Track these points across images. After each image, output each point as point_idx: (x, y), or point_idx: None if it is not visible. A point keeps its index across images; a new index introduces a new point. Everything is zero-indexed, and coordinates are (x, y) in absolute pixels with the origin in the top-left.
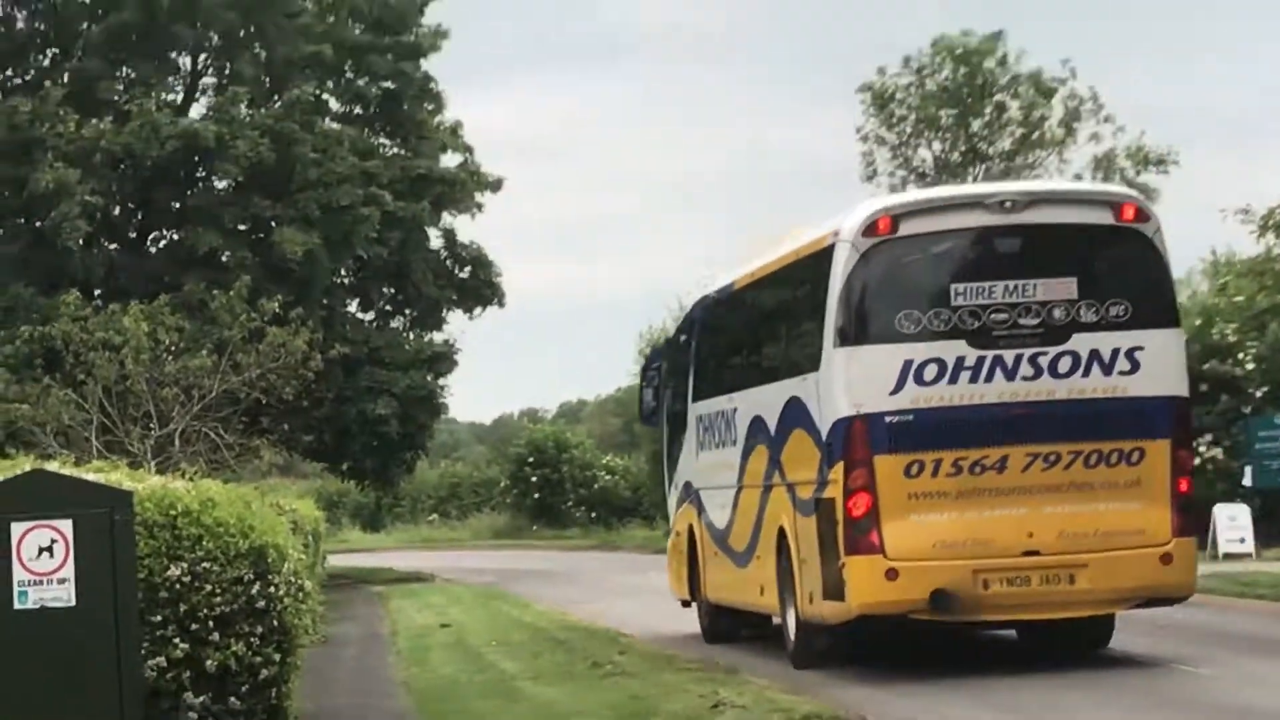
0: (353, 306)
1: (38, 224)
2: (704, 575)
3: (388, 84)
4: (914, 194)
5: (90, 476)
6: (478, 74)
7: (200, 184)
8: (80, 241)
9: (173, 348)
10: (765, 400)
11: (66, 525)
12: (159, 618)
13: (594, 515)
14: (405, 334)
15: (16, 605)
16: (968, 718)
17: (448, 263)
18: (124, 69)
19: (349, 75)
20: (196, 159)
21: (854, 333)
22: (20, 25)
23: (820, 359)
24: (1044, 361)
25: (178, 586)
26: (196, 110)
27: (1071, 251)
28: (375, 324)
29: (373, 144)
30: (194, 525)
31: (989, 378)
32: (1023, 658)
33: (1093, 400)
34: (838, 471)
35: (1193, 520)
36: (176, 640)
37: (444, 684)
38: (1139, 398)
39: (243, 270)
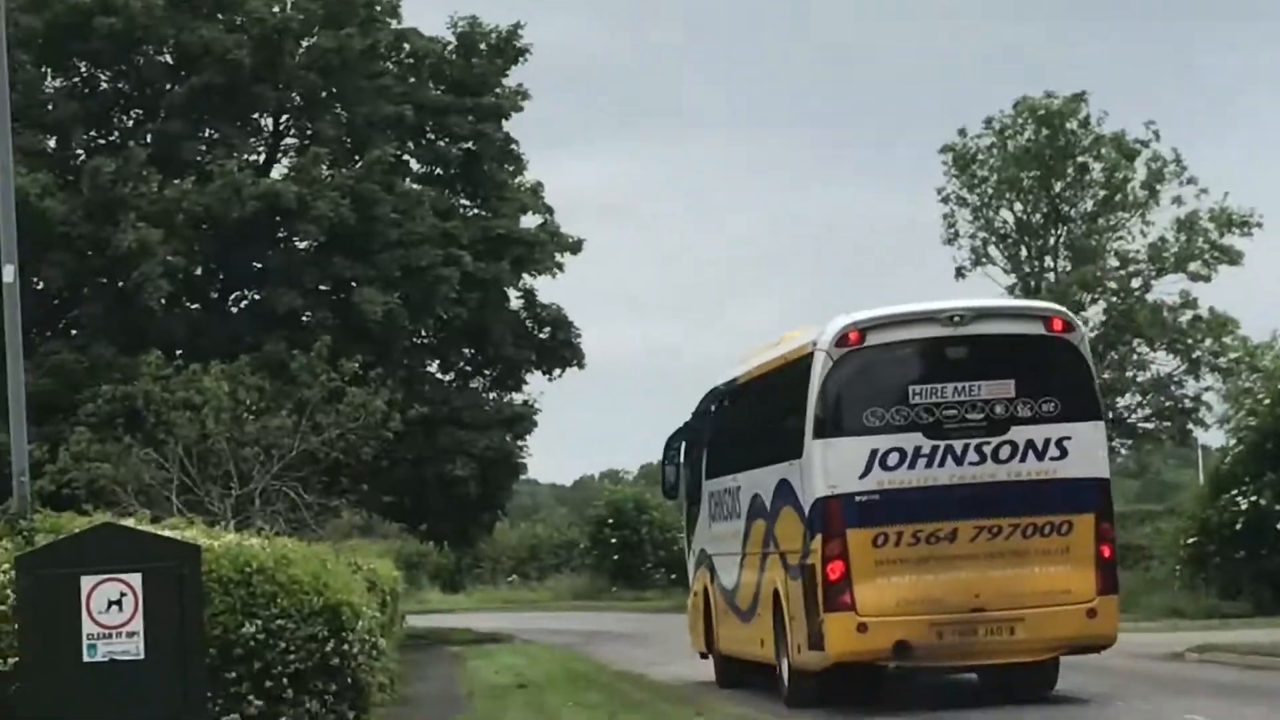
0: (432, 367)
1: (120, 284)
2: (716, 630)
3: (468, 145)
4: (878, 311)
5: (163, 532)
6: (559, 136)
7: (281, 244)
8: (162, 301)
9: (253, 407)
10: (761, 480)
11: (136, 579)
12: (233, 674)
13: (673, 577)
14: (485, 394)
15: (86, 658)
16: None
17: (527, 323)
18: (206, 129)
19: (430, 136)
20: (278, 219)
21: (829, 426)
22: (104, 86)
23: (802, 448)
24: (987, 449)
25: (252, 643)
26: (278, 171)
27: (1010, 358)
28: (455, 384)
29: (453, 204)
30: (269, 583)
31: (942, 463)
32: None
33: (1029, 481)
34: (817, 542)
35: (1113, 580)
36: (251, 697)
37: None
38: (1067, 479)
39: (323, 330)
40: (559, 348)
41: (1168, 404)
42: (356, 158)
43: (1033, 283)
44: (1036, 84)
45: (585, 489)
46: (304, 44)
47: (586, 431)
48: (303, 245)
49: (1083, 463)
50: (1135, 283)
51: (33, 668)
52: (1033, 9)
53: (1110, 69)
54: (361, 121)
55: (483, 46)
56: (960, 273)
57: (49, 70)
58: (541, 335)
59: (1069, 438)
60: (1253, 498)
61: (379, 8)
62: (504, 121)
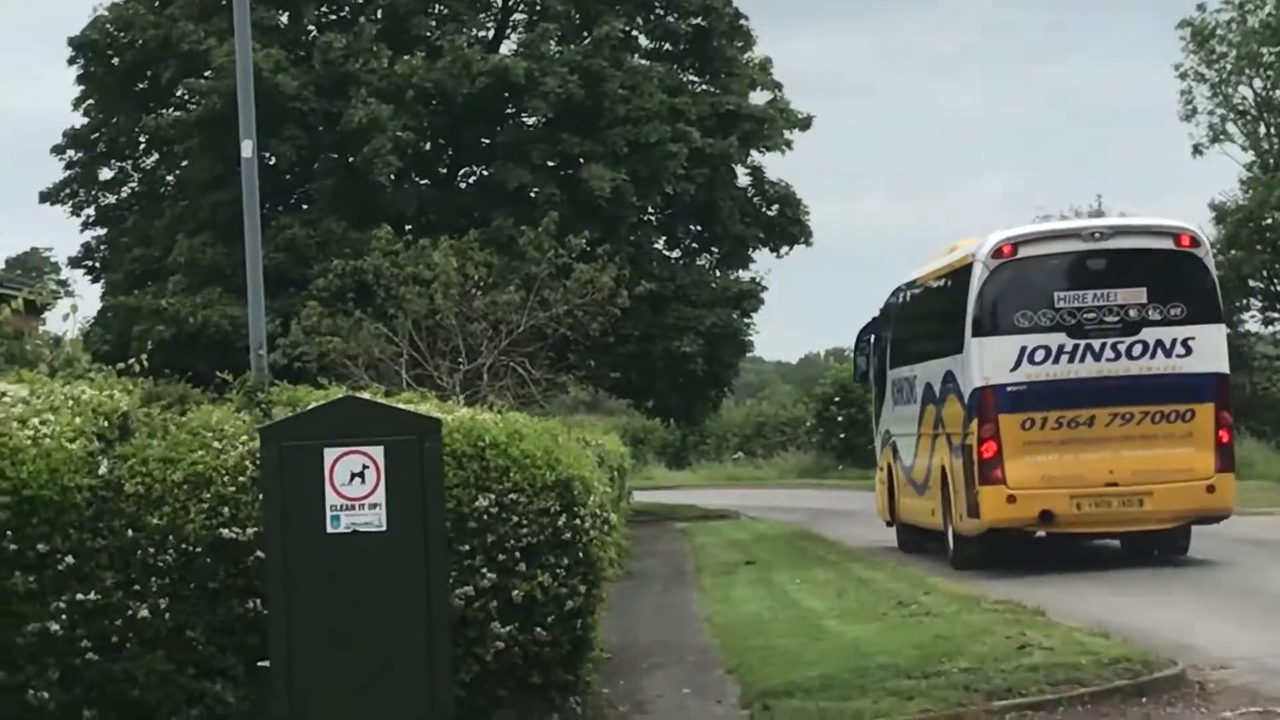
0: (659, 244)
1: (350, 159)
2: (898, 502)
3: (697, 20)
4: (1029, 227)
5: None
6: (787, 10)
7: (510, 120)
8: (392, 177)
9: (481, 283)
10: (932, 371)
11: (378, 451)
12: (466, 547)
13: None
14: (711, 272)
15: (329, 529)
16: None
17: (755, 200)
18: (436, 5)
19: (659, 11)
20: (506, 95)
21: (985, 326)
22: None
23: (964, 344)
24: (1121, 348)
25: (485, 517)
26: (507, 47)
27: (1142, 268)
28: (682, 261)
29: (681, 80)
30: (502, 457)
31: (1082, 359)
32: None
33: (1157, 375)
34: (974, 425)
35: (1230, 460)
36: (484, 570)
37: (748, 621)
38: (1191, 374)
39: (551, 206)
40: (786, 225)
41: None
42: (585, 33)
43: (1271, 160)
44: None
45: (811, 366)
46: None
47: (813, 309)
48: (531, 121)
49: (1205, 360)
50: None
51: (275, 538)
52: None
53: None
54: None
55: None
56: (1198, 150)
57: None
58: (769, 212)
59: (1193, 338)
60: None
61: None
62: None
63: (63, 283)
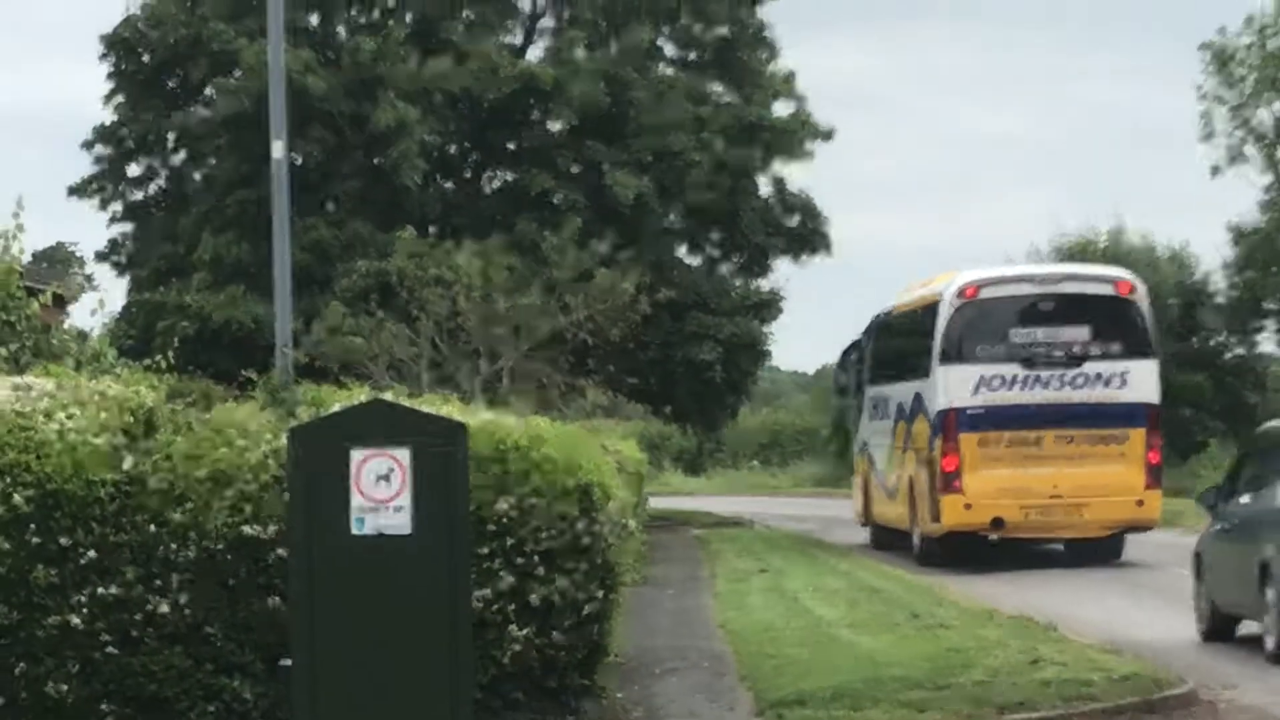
0: (681, 251)
1: (377, 161)
2: (872, 505)
3: (723, 30)
4: (990, 271)
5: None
6: (811, 23)
7: (535, 126)
8: (417, 179)
9: (503, 286)
10: (904, 392)
11: (405, 454)
12: (486, 550)
13: None
14: (732, 280)
15: (354, 531)
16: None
17: (776, 211)
18: (465, 10)
19: (685, 21)
20: (532, 100)
21: (950, 356)
22: None
23: (931, 370)
24: (1067, 378)
25: (505, 520)
26: (534, 53)
27: (1086, 311)
28: (703, 269)
29: (706, 90)
30: (523, 461)
31: (1032, 387)
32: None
33: (1097, 403)
34: (938, 442)
35: (1158, 478)
36: (503, 573)
37: (761, 628)
38: (1126, 403)
39: (574, 212)
40: (807, 235)
41: None
42: (612, 41)
43: None
44: None
45: (827, 377)
46: None
47: (830, 320)
48: (556, 127)
49: (1138, 391)
50: None
51: (299, 538)
52: None
53: None
54: (618, 5)
55: None
56: (1215, 171)
57: None
58: (790, 223)
59: (1129, 372)
60: None
61: None
62: (758, 7)
63: (88, 277)
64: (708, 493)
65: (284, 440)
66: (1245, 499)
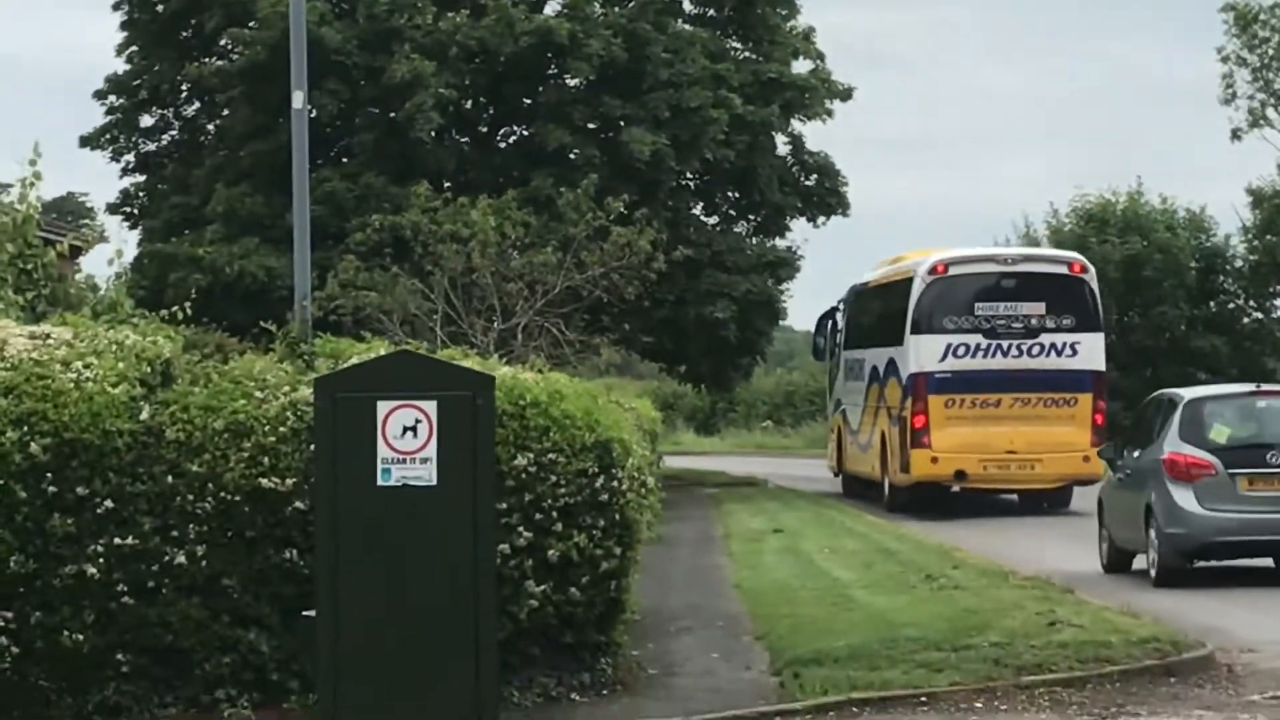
0: (697, 209)
1: (392, 115)
2: (845, 457)
3: None
4: (958, 251)
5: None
6: None
7: (551, 81)
8: (432, 133)
9: (518, 242)
10: (878, 357)
11: (431, 406)
12: (504, 505)
13: None
14: (748, 239)
15: (379, 482)
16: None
17: (794, 169)
18: None
19: None
20: (549, 55)
21: (921, 326)
22: None
23: (904, 338)
24: (1024, 348)
25: (524, 476)
26: (551, 7)
27: (1042, 288)
28: (719, 228)
29: (724, 47)
30: (542, 416)
31: (993, 355)
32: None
33: (1051, 371)
34: (909, 403)
35: (1102, 437)
36: (520, 529)
37: (776, 588)
38: (1076, 370)
39: (590, 168)
40: (824, 194)
41: None
42: None
43: None
44: None
45: None
46: None
47: (845, 280)
48: (573, 83)
49: (1087, 360)
50: None
51: (325, 489)
52: None
53: None
54: None
55: None
56: (1236, 134)
57: None
58: (807, 181)
59: (1079, 343)
60: None
61: None
62: None
63: (96, 229)
64: (721, 452)
65: (302, 392)
66: (1135, 454)
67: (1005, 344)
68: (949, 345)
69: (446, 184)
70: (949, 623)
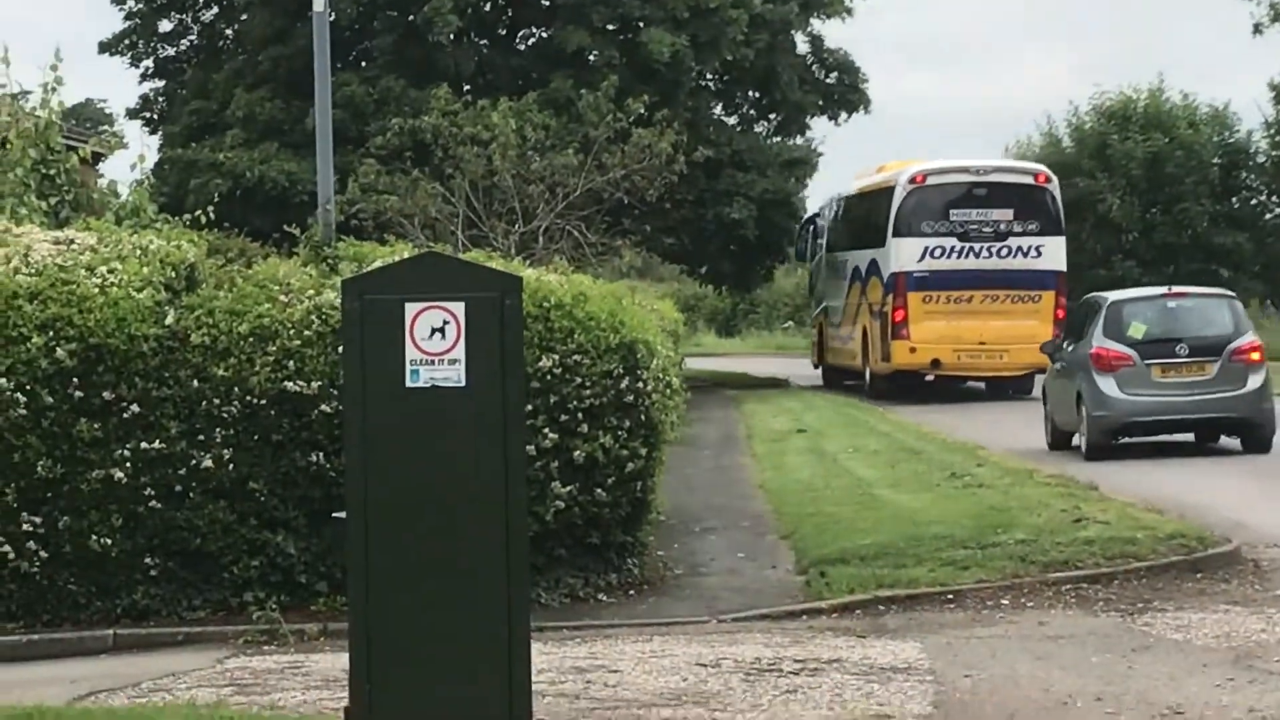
0: (717, 110)
1: (410, 17)
2: (827, 351)
3: None
4: (934, 163)
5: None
6: None
7: None
8: (451, 36)
9: (539, 145)
10: (859, 259)
11: (459, 307)
12: (530, 408)
13: None
14: (769, 139)
15: (408, 383)
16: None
17: (813, 68)
18: None
19: None
20: None
21: (901, 229)
22: None
23: (886, 241)
24: (994, 250)
25: (549, 378)
26: None
27: (1010, 196)
28: (739, 128)
29: None
30: (566, 318)
31: (966, 256)
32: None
33: (1017, 270)
34: (890, 299)
35: (1063, 329)
36: (546, 430)
37: (800, 488)
38: (1040, 270)
39: (610, 70)
40: (845, 93)
41: None
42: None
43: None
44: None
45: None
46: None
47: None
48: None
49: (1050, 261)
50: None
51: (354, 391)
52: None
53: None
54: None
55: None
56: (1258, 29)
57: None
58: (827, 80)
59: (1043, 246)
60: None
61: None
62: None
63: (117, 134)
64: (742, 354)
65: (326, 296)
66: (1070, 348)
67: (977, 246)
68: (926, 247)
69: (466, 87)
70: (974, 520)
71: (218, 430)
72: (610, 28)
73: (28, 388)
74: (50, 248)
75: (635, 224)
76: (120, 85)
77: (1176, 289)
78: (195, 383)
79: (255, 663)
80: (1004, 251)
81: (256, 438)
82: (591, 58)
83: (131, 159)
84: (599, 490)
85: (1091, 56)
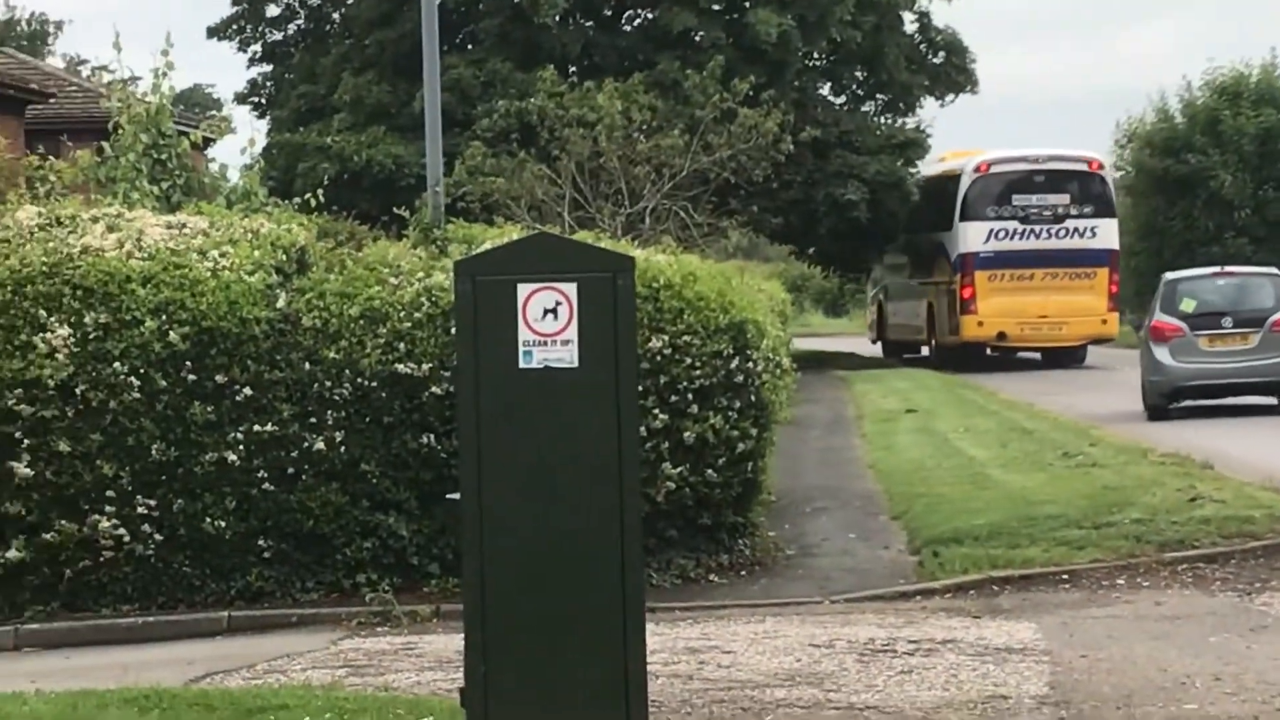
0: (824, 89)
1: (516, 0)
2: (887, 327)
3: None
4: (998, 152)
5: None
6: None
7: None
8: (557, 18)
9: (645, 126)
10: (927, 242)
11: (571, 288)
12: (640, 388)
13: None
14: (876, 119)
15: (521, 364)
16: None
17: (921, 47)
18: None
19: None
20: None
21: (968, 213)
22: None
23: (953, 225)
24: (1052, 231)
25: (658, 358)
26: None
27: (1067, 182)
28: (846, 108)
29: None
30: (676, 299)
31: (1027, 238)
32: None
33: (1074, 249)
34: (958, 278)
35: (1116, 304)
36: (656, 411)
37: (911, 468)
38: (1094, 249)
39: (716, 50)
40: (952, 72)
41: None
42: None
43: None
44: None
45: None
46: None
47: None
48: None
49: (1103, 240)
50: None
51: (467, 373)
52: None
53: None
54: None
55: None
56: None
57: None
58: (935, 59)
59: (1097, 227)
60: None
61: None
62: None
63: (225, 119)
64: (850, 334)
65: (436, 278)
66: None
67: (1037, 228)
68: (991, 230)
69: (572, 69)
70: (1088, 500)
71: (329, 413)
72: (716, 8)
73: (141, 371)
74: (162, 232)
75: (742, 204)
76: (228, 70)
77: (1228, 269)
78: (306, 365)
79: (369, 644)
80: (1062, 233)
81: (368, 420)
82: (697, 38)
83: (240, 144)
84: (710, 471)
85: (1203, 31)
